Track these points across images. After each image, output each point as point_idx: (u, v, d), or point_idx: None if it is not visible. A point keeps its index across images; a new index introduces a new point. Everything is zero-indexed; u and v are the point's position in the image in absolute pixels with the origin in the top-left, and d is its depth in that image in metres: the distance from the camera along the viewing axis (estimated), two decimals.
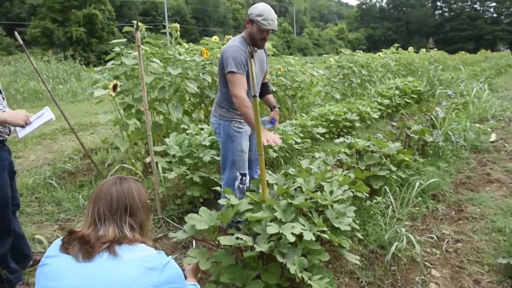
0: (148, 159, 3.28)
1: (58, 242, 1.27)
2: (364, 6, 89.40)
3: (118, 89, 3.87)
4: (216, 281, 1.76)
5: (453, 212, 3.34)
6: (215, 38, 5.22)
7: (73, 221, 3.31)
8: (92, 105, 9.99)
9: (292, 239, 1.65)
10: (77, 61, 15.85)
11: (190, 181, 3.15)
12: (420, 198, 3.17)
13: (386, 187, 2.98)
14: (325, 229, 1.84)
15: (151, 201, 3.45)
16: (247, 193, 2.06)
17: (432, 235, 2.84)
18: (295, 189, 2.22)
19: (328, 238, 1.81)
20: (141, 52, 4.04)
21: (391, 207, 2.88)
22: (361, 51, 9.10)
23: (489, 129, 5.87)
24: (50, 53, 18.86)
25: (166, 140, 3.48)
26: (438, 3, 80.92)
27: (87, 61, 25.68)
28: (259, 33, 2.52)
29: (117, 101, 4.14)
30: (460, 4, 76.46)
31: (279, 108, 2.85)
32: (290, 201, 1.92)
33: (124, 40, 4.27)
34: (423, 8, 78.41)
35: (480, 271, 2.42)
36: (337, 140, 3.60)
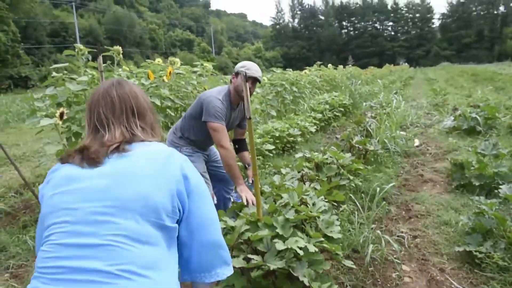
0: None
1: (56, 164, 1.12)
2: (277, 26, 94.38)
3: (65, 116, 3.63)
4: None
5: (403, 212, 3.70)
6: (158, 60, 5.16)
7: (26, 266, 2.98)
8: (10, 135, 9.05)
9: (301, 253, 1.73)
10: None
11: None
12: (377, 203, 3.45)
13: (351, 195, 3.21)
14: (322, 239, 1.96)
15: None
16: (241, 214, 2.09)
17: (393, 235, 3.12)
18: (283, 205, 2.31)
19: (327, 247, 1.92)
20: (89, 77, 3.88)
21: (356, 213, 3.11)
22: (291, 70, 9.61)
23: (412, 135, 6.61)
24: None
25: None
26: (344, 23, 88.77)
27: None
28: (242, 83, 2.62)
29: (60, 129, 3.86)
30: (362, 23, 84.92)
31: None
32: (286, 216, 2.00)
33: (66, 64, 4.02)
34: (331, 27, 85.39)
35: (442, 261, 2.73)
36: (297, 155, 3.79)
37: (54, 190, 1.04)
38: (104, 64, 4.68)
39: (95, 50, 4.23)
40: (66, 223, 0.98)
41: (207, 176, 2.76)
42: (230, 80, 2.71)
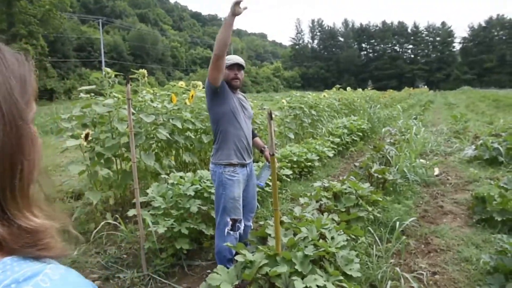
0: (131, 212, 3.17)
1: None
2: (297, 47, 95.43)
3: (90, 138, 3.76)
4: None
5: (423, 246, 3.63)
6: (181, 83, 5.29)
7: None
8: None
9: None
10: None
11: (178, 233, 3.09)
12: (396, 238, 3.40)
13: (369, 227, 3.18)
14: (341, 277, 1.95)
15: (134, 258, 3.30)
16: (259, 247, 2.11)
17: (412, 270, 3.06)
18: (302, 239, 2.31)
19: (346, 287, 1.91)
20: (114, 100, 4.00)
21: (374, 246, 3.07)
22: (310, 93, 9.66)
23: (431, 164, 6.51)
24: None
25: (148, 190, 3.40)
26: (363, 45, 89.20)
27: None
28: (228, 72, 2.81)
29: (84, 149, 3.98)
30: (382, 46, 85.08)
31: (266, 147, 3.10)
32: (306, 253, 2.00)
33: (93, 86, 4.18)
34: (350, 49, 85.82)
35: None
36: (316, 184, 3.79)
37: None
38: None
39: (122, 74, 4.40)
40: None
41: (240, 202, 2.77)
42: None
